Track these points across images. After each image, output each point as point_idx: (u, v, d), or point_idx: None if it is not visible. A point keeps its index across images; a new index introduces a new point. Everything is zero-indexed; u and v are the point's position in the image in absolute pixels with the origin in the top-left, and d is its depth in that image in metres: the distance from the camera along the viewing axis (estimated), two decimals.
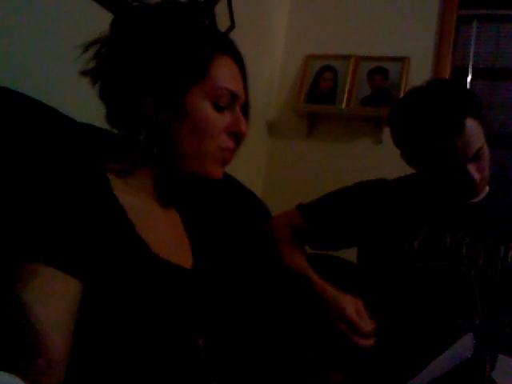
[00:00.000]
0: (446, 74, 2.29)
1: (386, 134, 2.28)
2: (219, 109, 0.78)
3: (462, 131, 1.08)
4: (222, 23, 0.84)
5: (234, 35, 0.85)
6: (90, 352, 0.67)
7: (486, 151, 1.13)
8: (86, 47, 0.77)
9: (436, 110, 1.11)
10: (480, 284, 1.12)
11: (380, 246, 1.25)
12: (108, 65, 0.77)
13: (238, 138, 0.82)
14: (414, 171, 1.30)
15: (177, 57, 0.75)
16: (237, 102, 0.81)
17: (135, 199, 0.77)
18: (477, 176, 1.12)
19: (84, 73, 0.78)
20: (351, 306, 1.09)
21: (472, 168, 1.12)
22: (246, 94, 0.84)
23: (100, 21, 0.83)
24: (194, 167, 0.79)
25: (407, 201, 1.27)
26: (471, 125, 1.10)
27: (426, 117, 1.12)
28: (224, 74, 0.79)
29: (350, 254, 1.41)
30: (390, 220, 1.25)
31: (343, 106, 2.34)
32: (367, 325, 1.07)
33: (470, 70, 2.35)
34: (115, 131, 0.82)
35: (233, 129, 0.80)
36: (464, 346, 0.95)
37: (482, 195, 1.23)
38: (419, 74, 2.26)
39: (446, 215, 1.21)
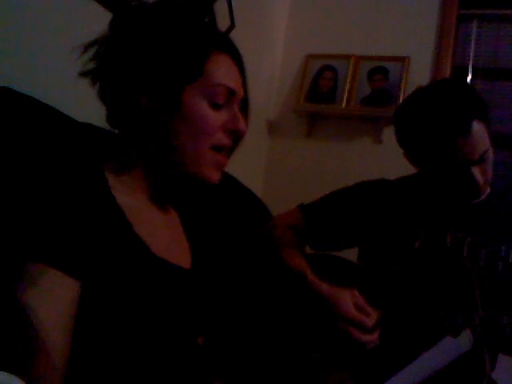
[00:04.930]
0: (446, 73, 2.29)
1: (386, 133, 2.29)
2: (216, 106, 0.78)
3: (468, 134, 1.08)
4: (222, 23, 0.84)
5: (233, 35, 0.85)
6: (90, 351, 0.67)
7: (490, 154, 1.13)
8: (85, 48, 0.76)
9: (443, 113, 1.10)
10: (480, 284, 1.12)
11: (381, 246, 1.25)
12: (106, 65, 0.77)
13: (236, 136, 0.81)
14: (415, 171, 1.30)
15: (172, 55, 0.75)
16: (234, 99, 0.80)
17: (132, 199, 0.77)
18: (480, 179, 1.12)
19: (83, 74, 0.77)
20: (349, 301, 1.07)
21: (476, 171, 1.12)
22: (245, 92, 0.84)
23: (100, 20, 0.83)
24: (190, 169, 0.78)
25: (408, 201, 1.27)
26: (478, 128, 1.09)
27: (432, 119, 1.11)
28: (220, 70, 0.78)
29: (351, 254, 1.41)
30: (391, 220, 1.25)
31: (343, 105, 2.35)
32: (369, 317, 1.06)
33: (470, 69, 2.35)
34: (115, 131, 0.82)
35: (230, 126, 0.79)
36: (462, 340, 0.95)
37: (484, 195, 1.23)
38: (419, 73, 2.27)
39: (447, 215, 1.21)
